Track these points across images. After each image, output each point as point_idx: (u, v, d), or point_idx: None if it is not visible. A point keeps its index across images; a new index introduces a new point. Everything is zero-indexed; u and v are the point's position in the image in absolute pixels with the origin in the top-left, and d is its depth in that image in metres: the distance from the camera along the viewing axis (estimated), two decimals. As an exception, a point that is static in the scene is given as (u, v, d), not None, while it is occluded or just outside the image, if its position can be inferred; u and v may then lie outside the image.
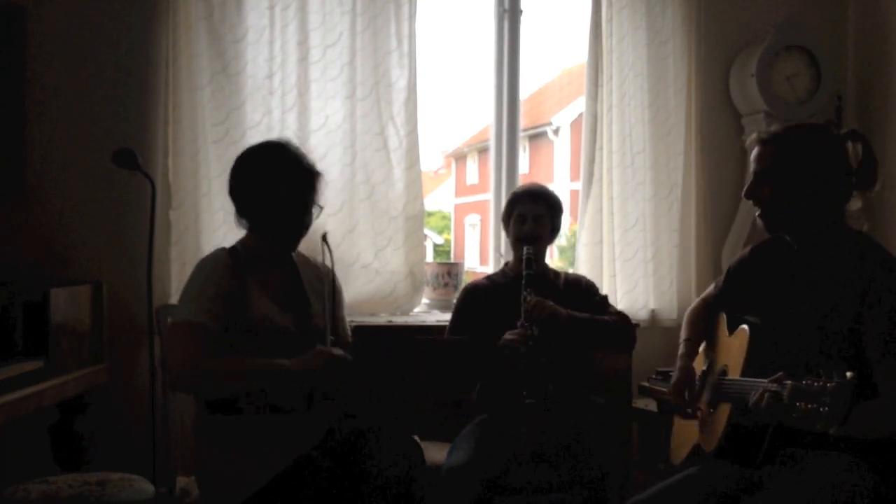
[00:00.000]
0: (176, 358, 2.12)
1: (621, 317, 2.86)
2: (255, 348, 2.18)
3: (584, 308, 2.78)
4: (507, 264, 2.96)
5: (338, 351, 2.19)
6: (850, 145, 2.07)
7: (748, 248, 2.30)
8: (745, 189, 2.11)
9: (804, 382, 1.70)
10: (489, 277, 3.01)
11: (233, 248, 2.32)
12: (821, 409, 1.63)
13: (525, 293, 2.65)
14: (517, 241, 2.84)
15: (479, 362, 2.64)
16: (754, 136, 2.15)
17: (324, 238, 2.33)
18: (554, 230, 2.89)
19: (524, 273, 2.70)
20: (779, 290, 2.10)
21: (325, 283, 2.41)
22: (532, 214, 2.82)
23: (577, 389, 2.70)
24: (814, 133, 2.09)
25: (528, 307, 2.63)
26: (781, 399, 1.74)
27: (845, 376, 1.63)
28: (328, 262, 2.34)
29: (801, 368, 1.84)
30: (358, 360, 2.17)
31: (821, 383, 1.66)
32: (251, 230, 2.34)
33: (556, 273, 2.95)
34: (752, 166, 2.11)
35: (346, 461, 2.11)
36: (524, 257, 2.73)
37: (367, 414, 2.22)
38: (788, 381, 1.74)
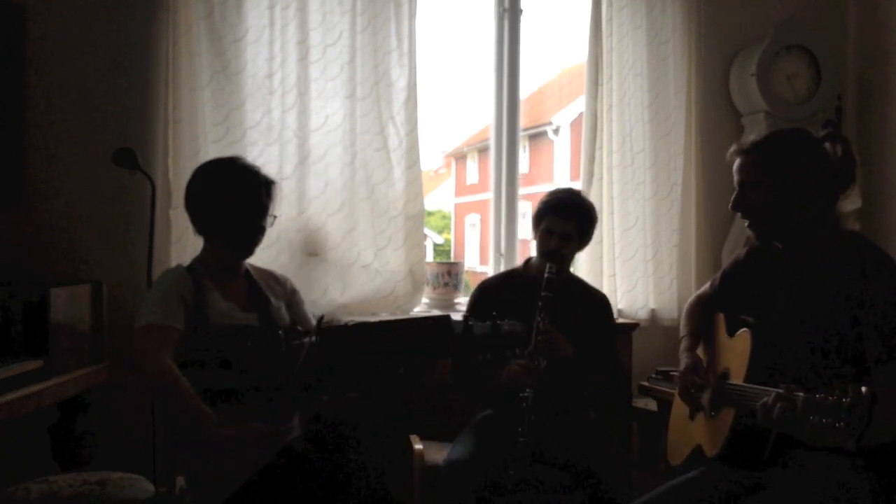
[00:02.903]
0: (142, 362, 2.14)
1: (618, 369, 2.80)
2: (223, 349, 2.22)
3: (595, 330, 2.76)
4: (529, 261, 2.89)
5: (271, 431, 2.14)
6: (829, 146, 2.06)
7: (744, 250, 2.30)
8: (731, 201, 2.10)
9: (818, 396, 1.67)
10: (507, 275, 2.98)
11: (189, 266, 2.38)
12: (837, 425, 1.61)
13: (539, 318, 2.57)
14: (542, 255, 2.77)
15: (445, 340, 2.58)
16: (733, 147, 2.13)
17: (318, 322, 2.26)
18: (583, 243, 2.81)
19: (542, 294, 2.61)
20: (776, 293, 2.09)
21: (298, 301, 2.51)
22: (560, 231, 2.72)
23: (572, 408, 2.70)
24: (793, 137, 2.09)
25: (540, 339, 2.54)
26: (795, 410, 1.72)
27: (860, 391, 1.59)
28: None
29: (806, 373, 1.83)
30: (329, 356, 2.16)
31: (835, 398, 1.62)
32: (208, 241, 2.40)
33: (579, 284, 2.91)
34: (735, 177, 2.10)
35: (328, 453, 2.12)
36: (546, 276, 2.64)
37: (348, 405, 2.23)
38: (801, 393, 1.71)
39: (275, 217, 2.42)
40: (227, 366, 2.20)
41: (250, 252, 2.43)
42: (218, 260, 2.39)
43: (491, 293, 2.86)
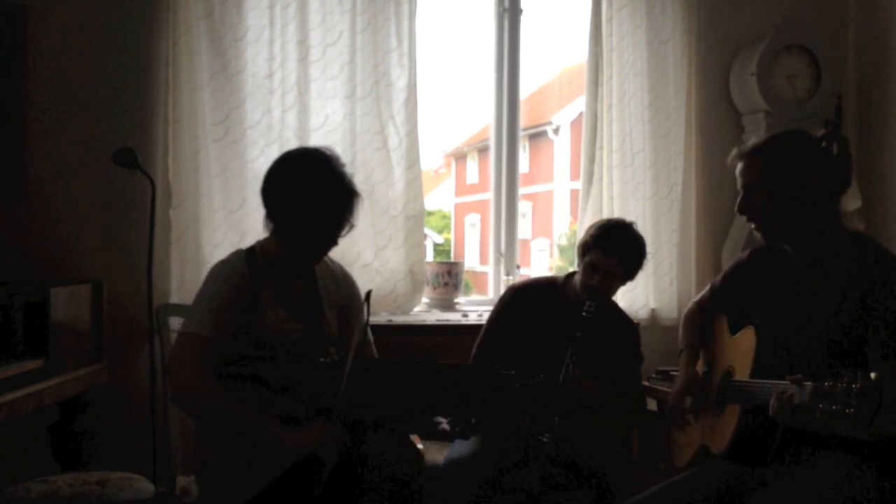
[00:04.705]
0: (180, 374, 2.09)
1: (641, 399, 2.71)
2: (265, 357, 2.17)
3: (622, 360, 2.67)
4: (571, 277, 2.72)
5: (336, 428, 2.10)
6: (826, 145, 2.06)
7: (746, 252, 2.29)
8: (737, 204, 2.09)
9: (826, 384, 1.67)
10: (544, 285, 2.81)
11: (250, 251, 2.25)
12: (847, 411, 1.60)
13: (569, 360, 2.41)
14: (582, 289, 2.60)
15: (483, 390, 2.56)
16: (735, 151, 2.12)
17: (366, 298, 2.22)
18: (628, 279, 2.66)
19: (577, 335, 2.44)
20: (780, 293, 2.09)
21: (355, 309, 2.37)
22: (604, 268, 2.57)
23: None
24: (793, 139, 2.08)
25: (567, 382, 2.38)
26: (803, 400, 1.72)
27: (870, 377, 1.60)
28: (363, 316, 2.26)
29: (812, 369, 1.83)
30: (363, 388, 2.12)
31: (844, 384, 1.63)
32: (277, 234, 2.25)
33: (612, 308, 2.75)
34: (739, 181, 2.09)
35: (346, 462, 2.11)
36: (584, 314, 2.48)
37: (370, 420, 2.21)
38: (809, 383, 1.71)
39: (351, 227, 2.27)
40: (265, 383, 2.16)
41: (317, 261, 2.33)
42: (282, 255, 2.25)
43: (523, 300, 2.73)
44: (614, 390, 2.57)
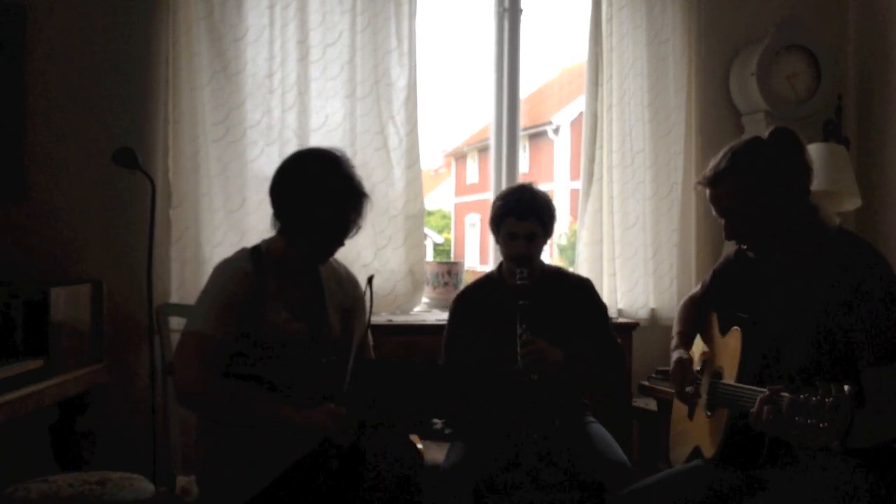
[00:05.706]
0: (184, 372, 2.08)
1: (615, 349, 2.69)
2: (266, 357, 2.17)
3: (582, 312, 2.69)
4: (500, 265, 2.78)
5: (345, 412, 2.09)
6: (779, 141, 2.03)
7: (733, 250, 2.27)
8: (724, 232, 2.06)
9: (802, 396, 1.66)
10: (484, 281, 2.84)
11: (255, 249, 2.25)
12: (821, 425, 1.60)
13: (520, 330, 2.46)
14: (509, 260, 2.66)
15: (480, 388, 2.48)
16: (702, 179, 2.07)
17: (369, 281, 2.22)
18: (547, 236, 2.68)
19: (519, 303, 2.49)
20: (767, 292, 2.09)
21: (359, 312, 2.35)
22: (524, 233, 2.60)
23: (573, 415, 2.65)
24: (750, 152, 2.03)
25: (524, 353, 2.43)
26: (780, 412, 1.71)
27: (843, 390, 1.59)
28: (367, 302, 2.24)
29: (797, 373, 1.83)
30: (360, 389, 2.11)
31: (818, 397, 1.62)
32: (284, 235, 2.25)
33: (556, 275, 2.78)
34: (715, 208, 2.06)
35: (346, 463, 2.11)
36: (518, 283, 2.54)
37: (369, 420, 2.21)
38: (786, 394, 1.71)
39: (358, 229, 2.26)
40: (267, 383, 2.16)
41: (324, 262, 2.32)
42: (287, 256, 2.24)
43: (470, 302, 2.77)
44: (583, 346, 2.58)
